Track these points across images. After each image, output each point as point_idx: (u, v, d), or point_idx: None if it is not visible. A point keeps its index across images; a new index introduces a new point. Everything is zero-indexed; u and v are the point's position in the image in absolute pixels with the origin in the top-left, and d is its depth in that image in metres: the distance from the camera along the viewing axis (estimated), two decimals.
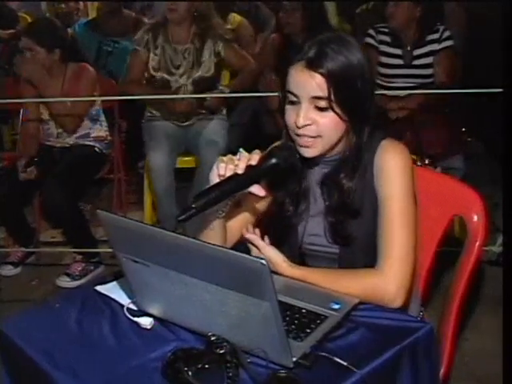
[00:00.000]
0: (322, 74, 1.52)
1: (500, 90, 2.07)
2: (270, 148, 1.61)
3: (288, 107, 1.59)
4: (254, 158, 1.52)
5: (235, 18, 4.53)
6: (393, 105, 3.52)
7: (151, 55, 3.61)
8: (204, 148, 3.53)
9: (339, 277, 1.58)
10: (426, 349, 1.40)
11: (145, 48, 3.62)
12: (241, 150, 1.54)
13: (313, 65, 1.53)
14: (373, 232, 1.62)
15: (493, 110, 2.65)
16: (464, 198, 1.82)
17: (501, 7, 3.16)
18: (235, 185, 1.49)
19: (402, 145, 1.65)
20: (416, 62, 3.57)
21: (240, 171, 1.49)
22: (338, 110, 1.54)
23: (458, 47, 3.88)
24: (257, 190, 1.52)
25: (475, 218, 1.77)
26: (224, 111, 3.82)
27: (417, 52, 3.57)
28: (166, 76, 3.61)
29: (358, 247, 1.66)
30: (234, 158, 1.52)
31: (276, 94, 1.72)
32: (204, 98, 3.63)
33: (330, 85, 1.52)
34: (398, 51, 3.59)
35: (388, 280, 1.53)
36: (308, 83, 1.53)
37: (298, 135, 1.58)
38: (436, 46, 3.54)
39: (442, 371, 1.66)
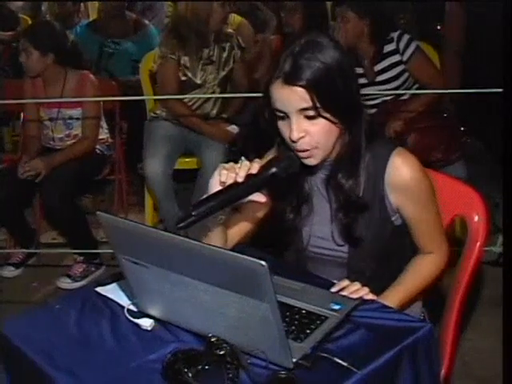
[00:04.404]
0: (301, 86, 1.51)
1: (500, 90, 2.07)
2: (270, 158, 1.61)
3: (280, 122, 1.59)
4: (255, 166, 1.51)
5: (235, 18, 4.52)
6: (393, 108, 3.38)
7: (182, 58, 3.50)
8: (206, 150, 3.52)
9: (413, 279, 1.71)
10: (426, 349, 1.41)
11: (173, 54, 3.49)
12: (242, 158, 1.54)
13: (291, 80, 1.52)
14: (381, 238, 1.67)
15: (493, 110, 2.65)
16: (465, 198, 1.82)
17: (501, 7, 3.16)
18: (235, 194, 1.49)
19: (413, 156, 1.66)
20: (380, 78, 3.37)
21: (240, 179, 1.48)
22: (326, 115, 1.53)
23: (457, 47, 3.86)
24: (258, 197, 1.53)
25: (476, 218, 1.77)
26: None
27: (378, 67, 3.37)
28: (195, 80, 3.55)
29: (366, 252, 1.69)
30: (236, 166, 1.51)
31: None
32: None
33: (313, 94, 1.51)
34: (359, 70, 3.36)
35: (442, 255, 1.74)
36: (291, 98, 1.52)
37: (295, 148, 1.58)
38: (398, 57, 3.32)
39: (442, 371, 1.66)
